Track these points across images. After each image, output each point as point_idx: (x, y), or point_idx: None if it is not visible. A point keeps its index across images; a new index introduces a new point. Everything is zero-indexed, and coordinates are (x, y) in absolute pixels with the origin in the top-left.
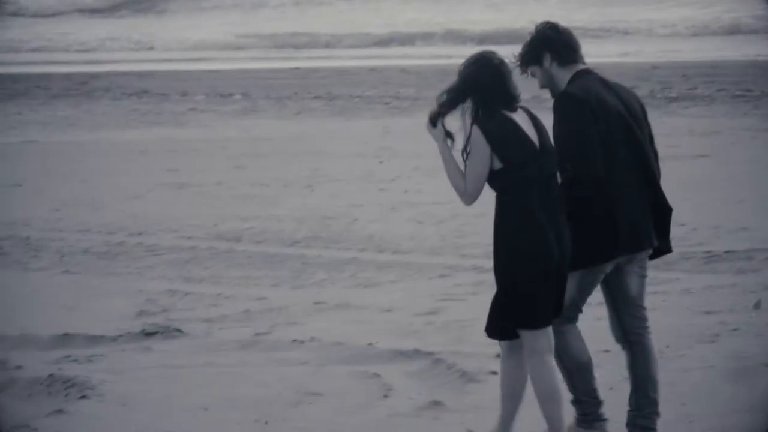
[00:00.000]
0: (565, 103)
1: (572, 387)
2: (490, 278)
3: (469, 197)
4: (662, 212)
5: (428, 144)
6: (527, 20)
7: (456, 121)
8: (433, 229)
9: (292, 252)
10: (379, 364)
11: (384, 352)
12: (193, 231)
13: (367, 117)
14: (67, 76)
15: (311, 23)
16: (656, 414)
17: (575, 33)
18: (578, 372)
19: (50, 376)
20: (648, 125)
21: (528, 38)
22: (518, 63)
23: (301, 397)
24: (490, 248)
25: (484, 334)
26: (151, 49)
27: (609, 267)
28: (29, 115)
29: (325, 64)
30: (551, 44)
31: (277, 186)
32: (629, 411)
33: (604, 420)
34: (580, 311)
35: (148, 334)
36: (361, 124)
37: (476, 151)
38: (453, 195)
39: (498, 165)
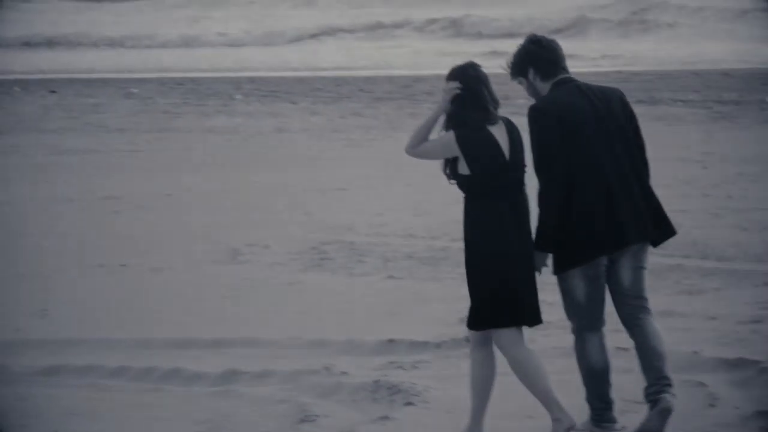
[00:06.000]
0: (531, 118)
1: (585, 389)
2: None
3: (411, 152)
4: (650, 203)
5: (753, 149)
6: None
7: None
8: (758, 236)
9: None
10: (704, 373)
11: (709, 360)
12: None
13: (689, 121)
14: (390, 80)
15: None
16: (665, 381)
17: None
18: (591, 378)
19: (375, 382)
20: (632, 122)
21: (515, 50)
22: (508, 72)
23: (625, 405)
24: None
25: None
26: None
27: (596, 269)
28: (351, 119)
29: (650, 68)
30: (534, 60)
31: None
32: (644, 388)
33: (614, 422)
34: (598, 318)
35: None
36: (683, 128)
37: (442, 145)
38: None
39: (466, 171)
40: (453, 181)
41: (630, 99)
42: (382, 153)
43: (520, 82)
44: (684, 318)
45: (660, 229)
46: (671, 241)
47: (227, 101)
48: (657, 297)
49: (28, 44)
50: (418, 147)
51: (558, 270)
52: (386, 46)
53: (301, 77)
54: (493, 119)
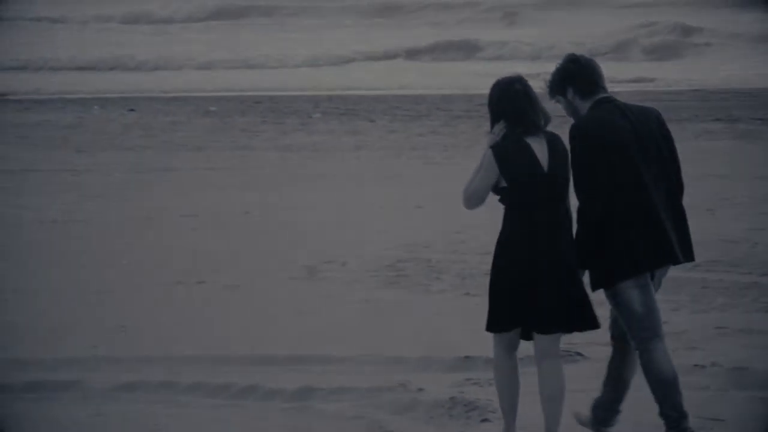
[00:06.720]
0: (572, 136)
1: (658, 403)
2: None
3: (466, 198)
4: (679, 224)
5: None
6: None
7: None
8: None
9: (693, 276)
10: None
11: None
12: None
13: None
14: (468, 98)
15: None
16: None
17: None
18: (663, 388)
19: (452, 398)
20: (668, 142)
21: (554, 69)
22: (546, 91)
23: (702, 422)
24: None
25: None
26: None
27: (645, 278)
28: (429, 137)
29: (726, 86)
30: (573, 78)
31: None
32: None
33: None
34: (659, 325)
35: None
36: (761, 146)
37: (485, 168)
38: None
39: (504, 183)
40: (496, 195)
41: (708, 118)
42: (460, 171)
43: (558, 101)
44: (762, 335)
45: (685, 250)
46: (748, 259)
47: (305, 119)
48: (735, 314)
49: (113, 68)
50: (467, 190)
51: (607, 284)
52: (460, 66)
53: (379, 95)
54: (533, 132)
